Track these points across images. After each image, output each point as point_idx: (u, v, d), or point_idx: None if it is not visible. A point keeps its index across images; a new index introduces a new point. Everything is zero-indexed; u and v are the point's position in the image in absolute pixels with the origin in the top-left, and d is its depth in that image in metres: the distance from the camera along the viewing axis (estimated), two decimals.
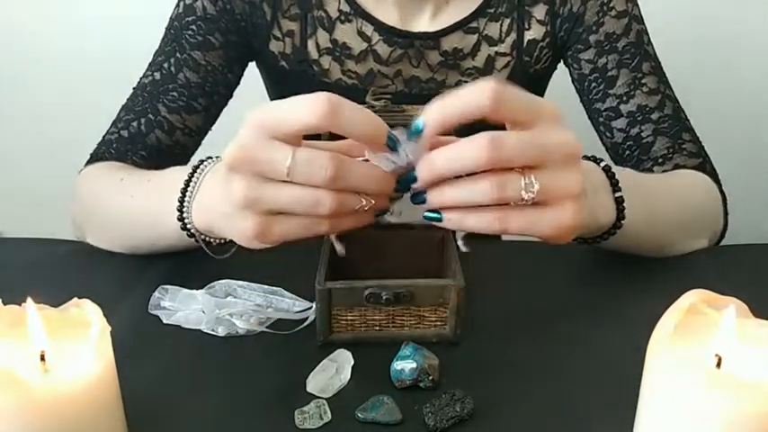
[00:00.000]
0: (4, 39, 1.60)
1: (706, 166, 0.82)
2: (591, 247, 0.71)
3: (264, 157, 0.47)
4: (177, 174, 0.62)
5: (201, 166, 0.60)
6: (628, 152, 0.84)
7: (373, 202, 0.50)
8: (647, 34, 0.86)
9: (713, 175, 0.82)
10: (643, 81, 0.83)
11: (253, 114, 0.48)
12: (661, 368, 0.42)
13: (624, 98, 0.83)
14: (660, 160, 0.81)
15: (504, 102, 0.47)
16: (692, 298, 0.44)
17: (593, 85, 0.85)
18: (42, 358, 0.42)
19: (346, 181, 0.48)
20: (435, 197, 0.50)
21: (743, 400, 0.39)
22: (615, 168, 0.63)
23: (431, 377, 0.53)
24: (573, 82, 0.89)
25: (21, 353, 0.43)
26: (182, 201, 0.60)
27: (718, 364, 0.42)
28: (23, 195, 1.72)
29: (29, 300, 0.44)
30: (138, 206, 0.68)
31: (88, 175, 0.78)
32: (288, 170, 0.47)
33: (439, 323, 0.58)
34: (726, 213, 0.80)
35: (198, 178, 0.60)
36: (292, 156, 0.47)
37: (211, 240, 0.63)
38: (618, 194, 0.62)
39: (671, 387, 0.41)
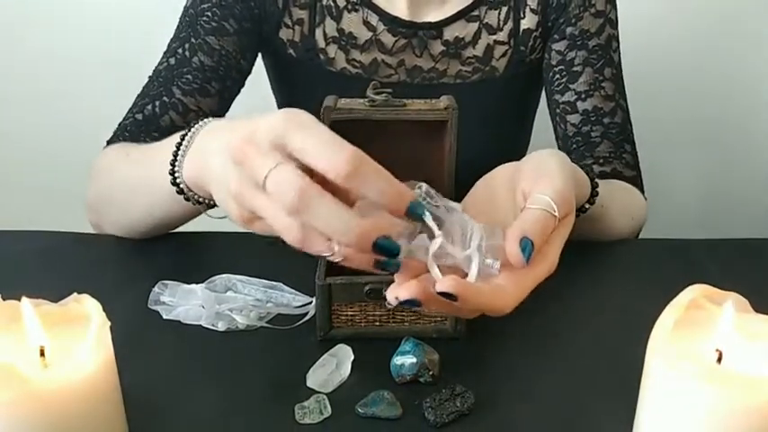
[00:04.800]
0: (6, 35, 1.60)
1: (638, 180, 0.85)
2: (592, 244, 0.71)
3: (254, 159, 0.44)
4: (175, 135, 0.60)
5: (200, 123, 0.58)
6: (575, 146, 0.87)
7: (342, 257, 0.43)
8: (617, 41, 0.89)
9: (641, 189, 0.85)
10: (603, 84, 0.86)
11: (283, 115, 0.44)
12: (662, 363, 0.42)
13: (583, 96, 0.86)
14: (601, 161, 0.84)
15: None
16: (693, 293, 0.44)
17: (557, 77, 0.88)
18: (42, 353, 0.42)
19: (307, 216, 0.41)
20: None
21: (743, 394, 0.39)
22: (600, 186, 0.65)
23: (431, 372, 0.53)
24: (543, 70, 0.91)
25: (20, 348, 0.43)
26: (175, 154, 0.59)
27: (719, 359, 0.42)
28: (22, 190, 1.71)
29: (23, 298, 0.43)
30: (136, 171, 0.68)
31: (100, 158, 0.78)
32: (264, 181, 0.43)
33: (439, 318, 0.58)
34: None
35: (194, 133, 0.58)
36: (272, 168, 0.42)
37: (202, 200, 0.60)
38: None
39: (672, 382, 0.41)
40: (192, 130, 0.59)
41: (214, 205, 0.60)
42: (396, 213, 0.42)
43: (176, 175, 0.59)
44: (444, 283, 0.42)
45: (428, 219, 0.43)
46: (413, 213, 0.42)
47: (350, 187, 0.41)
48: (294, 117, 0.44)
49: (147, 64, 0.86)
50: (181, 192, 0.60)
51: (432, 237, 0.44)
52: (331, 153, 0.41)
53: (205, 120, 0.59)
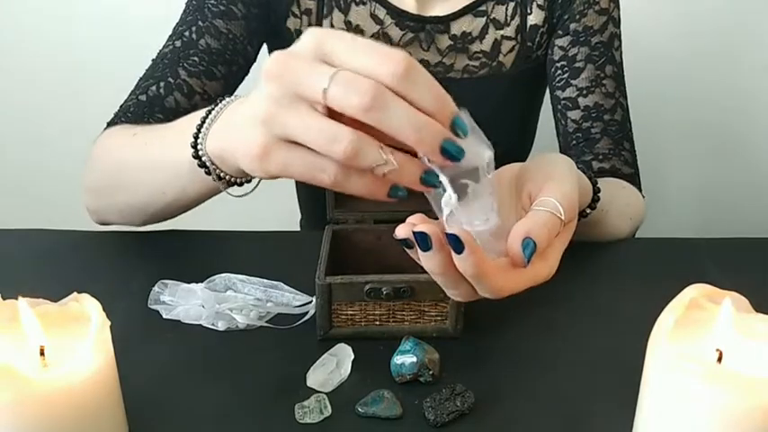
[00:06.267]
0: (5, 35, 1.60)
1: (636, 178, 0.85)
2: (591, 244, 0.71)
3: (305, 71, 0.42)
4: (199, 111, 0.59)
5: (230, 98, 0.57)
6: (574, 142, 0.87)
7: (396, 165, 0.42)
8: (619, 40, 0.89)
9: (639, 187, 0.85)
10: (603, 82, 0.87)
11: (312, 30, 0.43)
12: (661, 363, 0.42)
13: (584, 92, 0.86)
14: (600, 157, 0.85)
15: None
16: (693, 292, 0.44)
17: (559, 72, 0.88)
18: (42, 353, 0.42)
19: (383, 115, 0.40)
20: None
21: (743, 394, 0.39)
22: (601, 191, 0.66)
23: (431, 372, 0.53)
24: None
25: (20, 348, 0.43)
26: (199, 127, 0.57)
27: (719, 359, 0.42)
28: (20, 188, 1.71)
29: (20, 298, 0.43)
30: (148, 149, 0.66)
31: (101, 140, 0.76)
32: (324, 91, 0.41)
33: (439, 318, 0.58)
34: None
35: (223, 106, 0.57)
36: (333, 75, 0.41)
37: (223, 176, 0.58)
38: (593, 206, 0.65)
39: (671, 382, 0.41)
40: (221, 104, 0.57)
41: (234, 182, 0.59)
42: (441, 122, 0.42)
43: (199, 147, 0.57)
44: (457, 230, 0.42)
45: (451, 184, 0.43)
46: (455, 127, 0.42)
47: (401, 89, 0.41)
48: (325, 30, 0.43)
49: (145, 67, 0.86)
50: (203, 165, 0.58)
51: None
52: (383, 54, 0.41)
53: (235, 95, 0.57)
